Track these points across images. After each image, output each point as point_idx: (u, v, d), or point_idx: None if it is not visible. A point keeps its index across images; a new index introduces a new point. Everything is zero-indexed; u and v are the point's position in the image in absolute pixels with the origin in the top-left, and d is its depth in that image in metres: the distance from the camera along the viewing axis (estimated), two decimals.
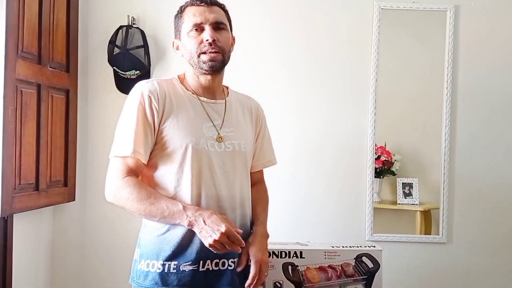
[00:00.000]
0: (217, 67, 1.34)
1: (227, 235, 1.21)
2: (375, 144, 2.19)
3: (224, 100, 1.42)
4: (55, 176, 2.06)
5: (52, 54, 2.02)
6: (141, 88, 1.32)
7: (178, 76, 1.41)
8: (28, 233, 2.07)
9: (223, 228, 1.21)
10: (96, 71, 2.23)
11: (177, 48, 1.40)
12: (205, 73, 1.35)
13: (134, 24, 2.18)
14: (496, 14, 2.19)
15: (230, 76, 2.12)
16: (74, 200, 2.19)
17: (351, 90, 2.21)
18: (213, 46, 1.32)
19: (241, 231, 1.26)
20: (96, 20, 2.23)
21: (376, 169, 2.20)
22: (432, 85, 2.22)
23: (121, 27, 2.17)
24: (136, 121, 1.28)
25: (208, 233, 1.22)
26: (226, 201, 1.34)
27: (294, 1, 2.22)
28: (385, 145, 2.23)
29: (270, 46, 2.22)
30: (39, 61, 1.94)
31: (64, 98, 2.12)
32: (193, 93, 1.37)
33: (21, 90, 1.82)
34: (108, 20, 2.20)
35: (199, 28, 1.33)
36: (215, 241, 1.21)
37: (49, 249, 2.22)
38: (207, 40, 1.31)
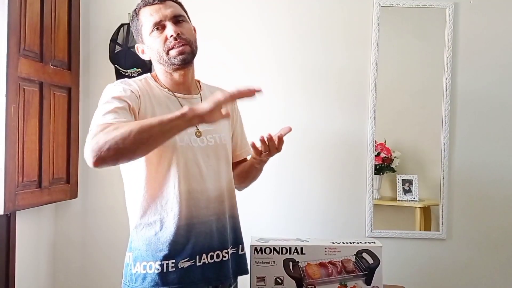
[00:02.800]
0: (188, 59, 1.34)
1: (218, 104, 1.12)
2: (375, 141, 2.20)
3: (199, 95, 1.42)
4: (58, 173, 2.07)
5: (54, 52, 2.03)
6: (119, 83, 1.31)
7: (151, 74, 1.41)
8: (31, 230, 2.08)
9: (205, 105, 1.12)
10: (97, 69, 2.24)
11: (143, 52, 1.39)
12: (178, 68, 1.35)
13: None
14: (495, 12, 2.19)
15: (230, 77, 2.15)
16: (76, 197, 2.21)
17: (351, 87, 2.22)
18: (179, 40, 1.31)
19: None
20: (97, 18, 2.24)
21: (376, 165, 2.21)
22: (431, 82, 2.23)
23: (122, 25, 2.18)
24: (111, 100, 1.23)
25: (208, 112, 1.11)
26: (215, 194, 1.36)
27: (294, 0, 2.22)
28: (385, 142, 2.25)
29: (268, 43, 2.22)
30: (41, 59, 1.95)
31: (66, 95, 2.13)
32: (168, 91, 1.37)
33: (23, 88, 1.84)
34: (110, 18, 2.21)
35: (160, 26, 1.32)
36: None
37: (51, 246, 2.24)
38: (171, 35, 1.31)
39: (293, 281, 1.45)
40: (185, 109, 1.12)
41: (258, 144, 1.38)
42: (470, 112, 2.20)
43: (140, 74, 2.11)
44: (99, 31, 2.24)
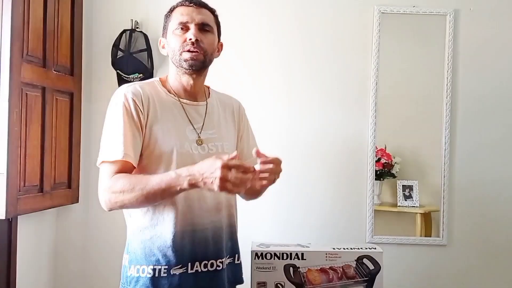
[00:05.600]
0: (196, 67, 1.35)
1: (227, 167, 1.13)
2: (376, 147, 2.21)
3: (205, 102, 1.43)
4: (59, 178, 2.08)
5: (56, 57, 2.04)
6: (124, 91, 1.31)
7: (159, 78, 1.42)
8: (32, 234, 2.09)
9: (219, 164, 1.13)
10: (100, 74, 2.25)
11: (163, 47, 1.42)
12: (185, 72, 1.36)
13: (137, 28, 2.20)
14: (495, 19, 2.21)
15: (231, 79, 2.16)
16: (77, 202, 2.22)
17: (351, 93, 2.23)
18: (195, 46, 1.33)
19: (235, 153, 1.19)
20: (100, 24, 2.25)
21: (376, 171, 2.22)
22: (432, 88, 2.24)
23: (124, 31, 2.19)
24: (123, 124, 1.27)
25: (210, 178, 1.14)
26: (212, 202, 1.35)
27: (295, 6, 2.24)
28: (385, 148, 2.25)
29: (270, 49, 2.24)
30: (44, 65, 1.96)
31: (68, 101, 2.14)
32: (174, 96, 1.38)
33: (26, 93, 1.84)
34: (112, 24, 2.22)
35: (184, 27, 1.34)
36: (221, 180, 1.12)
37: (52, 250, 2.24)
38: (190, 39, 1.32)
39: (294, 286, 1.45)
40: (185, 184, 1.19)
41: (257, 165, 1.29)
42: (471, 118, 2.20)
43: (142, 79, 2.12)
44: (101, 37, 2.25)
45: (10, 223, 1.90)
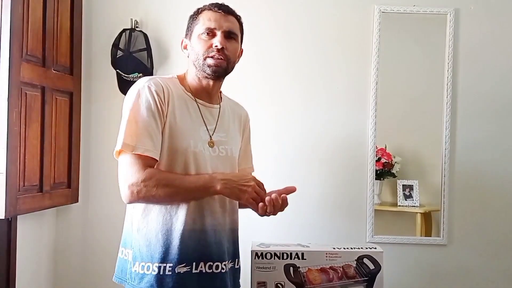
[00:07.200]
0: (219, 73, 1.38)
1: (256, 182, 1.33)
2: (376, 146, 2.21)
3: (219, 105, 1.45)
4: (59, 177, 2.08)
5: (56, 57, 2.03)
6: (147, 83, 1.32)
7: (177, 76, 1.43)
8: (32, 234, 2.08)
9: (251, 176, 1.34)
10: (99, 74, 2.25)
11: (185, 48, 1.43)
12: (207, 77, 1.38)
13: (137, 27, 2.20)
14: (496, 18, 2.20)
15: (233, 78, 2.15)
16: (77, 201, 2.21)
17: (352, 92, 2.22)
18: (220, 53, 1.35)
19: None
20: (99, 24, 2.25)
21: (376, 171, 2.21)
22: (432, 88, 2.24)
23: (124, 30, 2.19)
24: (146, 115, 1.28)
25: (245, 187, 1.30)
26: (219, 204, 1.37)
27: (296, 6, 2.23)
28: (386, 147, 2.25)
29: (271, 48, 2.23)
30: (43, 64, 1.95)
31: (68, 100, 2.13)
32: (192, 95, 1.39)
33: (26, 93, 1.84)
34: (112, 24, 2.22)
35: (211, 32, 1.37)
36: (253, 190, 1.31)
37: (52, 250, 2.24)
38: (216, 46, 1.35)
39: (294, 286, 1.45)
40: (218, 186, 1.30)
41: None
42: (471, 117, 2.20)
43: None
44: (101, 36, 2.25)
45: (10, 223, 1.90)
